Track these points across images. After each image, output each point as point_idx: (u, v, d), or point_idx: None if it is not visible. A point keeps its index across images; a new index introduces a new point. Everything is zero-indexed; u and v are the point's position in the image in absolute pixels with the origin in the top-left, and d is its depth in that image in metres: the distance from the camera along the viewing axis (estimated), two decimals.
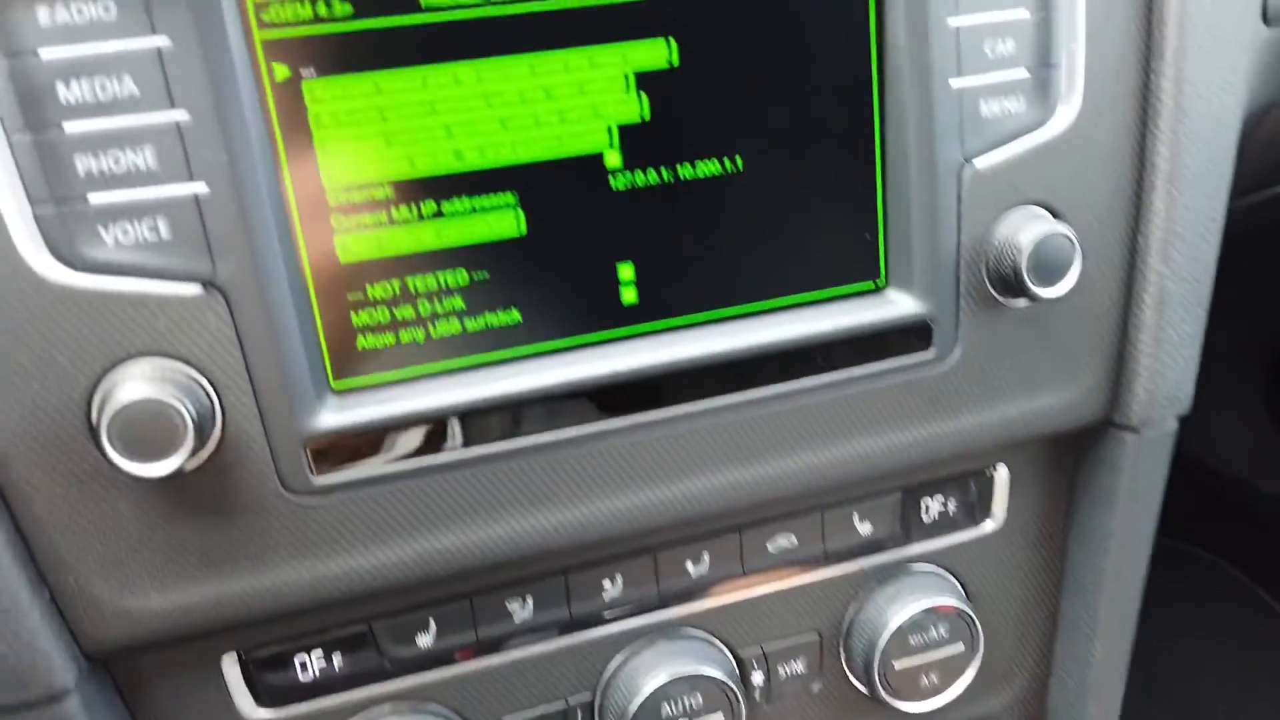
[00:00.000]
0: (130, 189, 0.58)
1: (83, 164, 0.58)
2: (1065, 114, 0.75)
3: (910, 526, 0.88)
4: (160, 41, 0.57)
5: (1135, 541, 0.90)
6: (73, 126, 0.57)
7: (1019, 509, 0.92)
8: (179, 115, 0.58)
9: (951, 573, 0.91)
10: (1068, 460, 0.92)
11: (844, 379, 0.75)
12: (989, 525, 0.91)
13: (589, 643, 0.82)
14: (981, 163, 0.74)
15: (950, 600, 0.86)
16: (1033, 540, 0.94)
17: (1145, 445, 0.86)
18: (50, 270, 0.58)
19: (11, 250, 0.57)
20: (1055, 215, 0.76)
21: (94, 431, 0.60)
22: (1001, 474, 0.90)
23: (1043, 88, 0.75)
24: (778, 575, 0.85)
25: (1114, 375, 0.83)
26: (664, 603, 0.83)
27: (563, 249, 0.68)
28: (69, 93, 0.57)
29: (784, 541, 0.84)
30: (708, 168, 0.70)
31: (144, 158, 0.58)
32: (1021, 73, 0.74)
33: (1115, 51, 0.75)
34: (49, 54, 0.56)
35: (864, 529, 0.86)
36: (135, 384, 0.58)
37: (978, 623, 0.87)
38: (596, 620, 0.81)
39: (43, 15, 0.56)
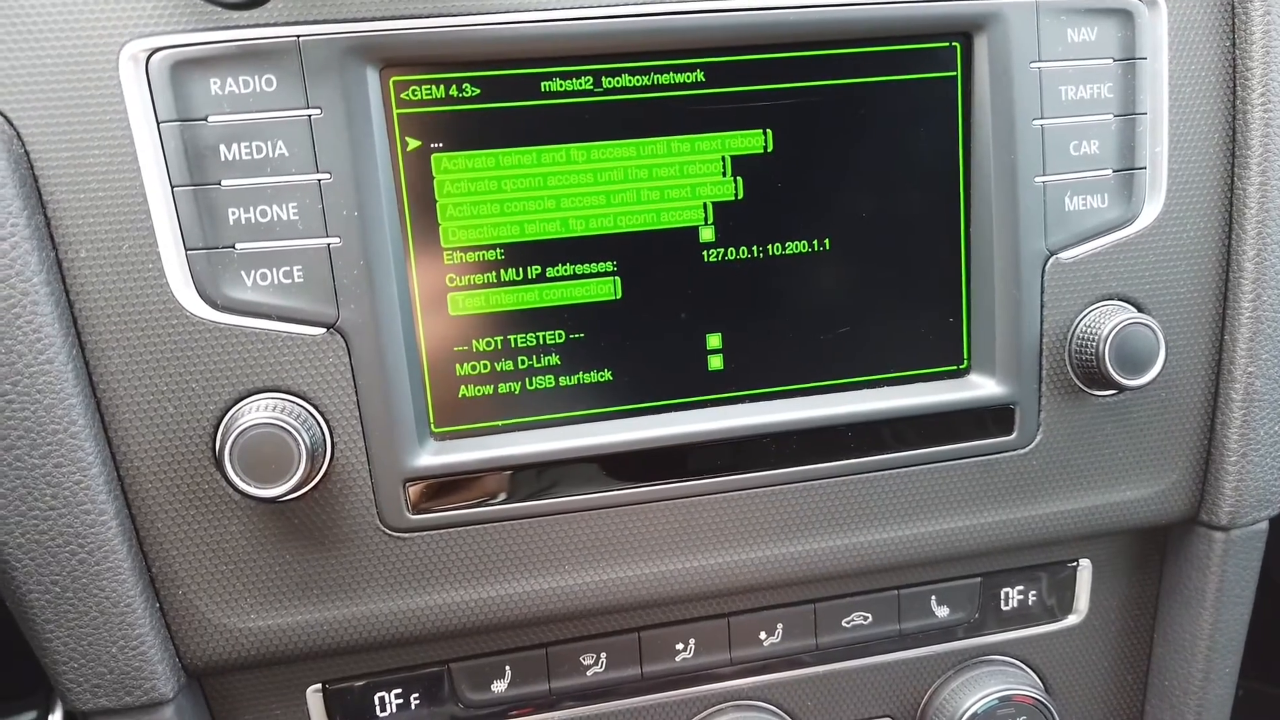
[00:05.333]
0: (273, 240, 0.65)
1: (234, 215, 0.65)
2: (1150, 213, 0.77)
3: (989, 614, 0.87)
4: (313, 113, 0.65)
5: (1224, 645, 0.87)
6: (230, 183, 0.65)
7: (1102, 604, 0.90)
8: (322, 177, 0.65)
9: (1031, 664, 0.89)
10: (1154, 557, 0.90)
11: (926, 455, 0.77)
12: (1071, 619, 0.89)
13: (658, 706, 0.82)
14: (1065, 256, 0.76)
15: (1028, 691, 0.84)
16: (1116, 637, 0.92)
17: (1234, 545, 0.84)
18: (196, 307, 0.65)
19: (165, 288, 0.64)
20: (1139, 308, 0.77)
21: (217, 454, 0.65)
22: (1085, 567, 0.88)
23: (1127, 187, 0.77)
24: (851, 653, 0.85)
25: (1200, 472, 0.82)
26: (736, 671, 0.83)
27: (655, 315, 0.73)
28: (229, 153, 0.64)
29: (859, 619, 0.84)
30: (797, 247, 0.74)
31: (288, 212, 0.65)
32: (1106, 172, 0.76)
33: (1200, 155, 0.77)
34: (216, 119, 0.64)
35: (941, 612, 0.85)
36: (258, 412, 0.64)
37: (1056, 716, 0.85)
38: (666, 684, 0.82)
39: (214, 86, 0.64)
